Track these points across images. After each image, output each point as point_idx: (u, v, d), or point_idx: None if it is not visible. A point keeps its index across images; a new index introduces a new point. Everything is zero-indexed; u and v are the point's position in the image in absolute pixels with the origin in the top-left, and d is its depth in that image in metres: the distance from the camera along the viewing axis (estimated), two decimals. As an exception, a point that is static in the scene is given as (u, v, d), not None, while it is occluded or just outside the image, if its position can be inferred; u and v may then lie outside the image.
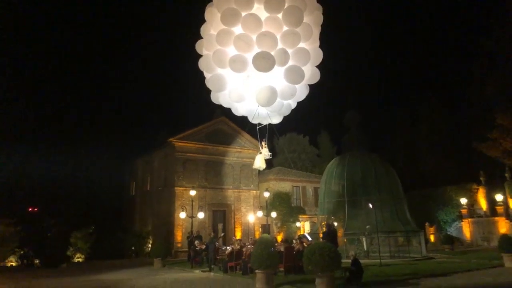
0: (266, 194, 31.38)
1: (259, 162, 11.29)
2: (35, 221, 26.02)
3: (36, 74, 50.27)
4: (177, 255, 27.72)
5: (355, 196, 22.70)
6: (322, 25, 9.82)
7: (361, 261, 17.78)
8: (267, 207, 31.29)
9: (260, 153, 11.45)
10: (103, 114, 55.81)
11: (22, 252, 24.39)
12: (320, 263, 10.51)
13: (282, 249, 15.00)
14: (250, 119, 9.93)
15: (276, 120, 10.08)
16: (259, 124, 10.32)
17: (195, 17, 10.40)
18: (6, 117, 30.68)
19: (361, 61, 73.69)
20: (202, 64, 9.45)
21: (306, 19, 8.90)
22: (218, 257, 18.36)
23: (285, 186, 36.16)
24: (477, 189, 33.25)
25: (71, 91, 56.97)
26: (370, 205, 20.22)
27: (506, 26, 29.56)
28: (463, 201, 32.08)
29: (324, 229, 17.36)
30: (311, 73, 9.48)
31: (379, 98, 65.35)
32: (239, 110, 9.86)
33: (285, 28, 8.63)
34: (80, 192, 33.49)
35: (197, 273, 17.31)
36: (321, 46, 9.74)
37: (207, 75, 9.51)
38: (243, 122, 10.37)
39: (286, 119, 10.58)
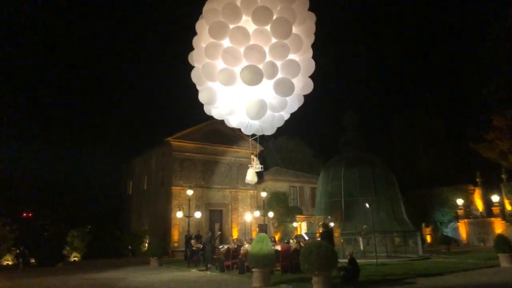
0: (263, 194, 31.44)
1: (251, 176, 11.22)
2: (31, 220, 25.93)
3: (32, 75, 50.12)
4: (174, 255, 27.69)
5: (352, 197, 22.76)
6: (316, 33, 9.68)
7: (358, 261, 17.87)
8: (264, 207, 31.33)
9: (252, 166, 11.38)
10: (100, 113, 55.61)
11: (18, 251, 24.28)
12: (317, 262, 10.54)
13: (279, 248, 15.02)
14: (243, 130, 9.88)
15: (269, 131, 9.96)
16: (252, 135, 10.24)
17: (192, 18, 10.36)
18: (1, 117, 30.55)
19: (358, 63, 73.86)
20: (193, 76, 9.38)
21: (296, 29, 8.71)
22: (215, 256, 18.34)
23: (282, 186, 36.18)
24: (474, 190, 33.40)
25: (66, 92, 56.81)
26: (367, 205, 20.29)
27: (502, 30, 29.71)
28: (460, 201, 32.22)
29: (321, 229, 17.37)
30: (303, 84, 9.29)
31: (375, 98, 65.44)
32: (231, 122, 9.79)
33: (273, 40, 8.46)
34: (77, 191, 33.35)
35: (194, 272, 17.31)
36: (316, 54, 9.63)
37: (198, 87, 9.44)
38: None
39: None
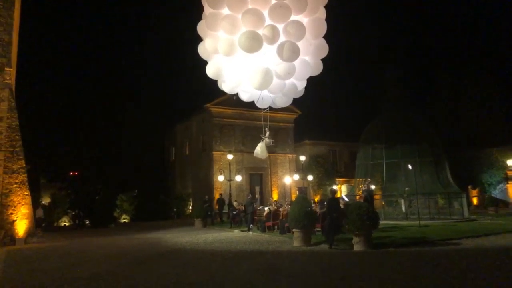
0: (302, 158, 31.49)
1: (260, 151, 11.01)
2: (83, 185, 27.60)
3: (80, 48, 51.74)
4: (217, 216, 28.65)
5: (394, 158, 22.26)
6: None
7: (400, 222, 17.76)
8: (303, 170, 31.46)
9: (263, 140, 11.14)
10: (143, 81, 56.90)
11: (73, 213, 26.11)
12: (357, 223, 10.61)
13: (318, 209, 15.14)
14: (256, 104, 9.43)
15: (283, 102, 9.43)
16: (265, 109, 9.75)
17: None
18: (49, 86, 32.09)
19: (402, 14, 69.63)
20: (199, 50, 8.81)
21: None
22: (256, 217, 18.81)
23: (321, 149, 36.00)
24: (526, 150, 31.70)
25: (112, 60, 58.31)
26: (410, 167, 19.84)
27: None
28: (510, 162, 30.72)
29: (360, 192, 17.29)
30: (314, 47, 8.49)
31: (420, 52, 61.82)
32: (242, 96, 9.33)
33: (273, 1, 7.80)
34: (124, 157, 34.98)
35: (236, 232, 17.92)
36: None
37: (208, 61, 9.06)
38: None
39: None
